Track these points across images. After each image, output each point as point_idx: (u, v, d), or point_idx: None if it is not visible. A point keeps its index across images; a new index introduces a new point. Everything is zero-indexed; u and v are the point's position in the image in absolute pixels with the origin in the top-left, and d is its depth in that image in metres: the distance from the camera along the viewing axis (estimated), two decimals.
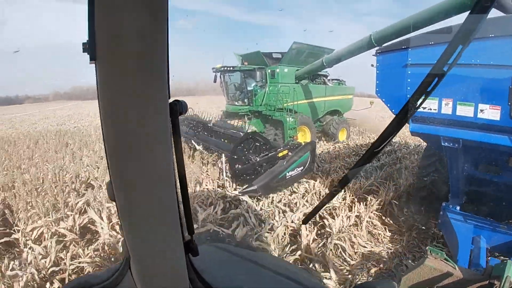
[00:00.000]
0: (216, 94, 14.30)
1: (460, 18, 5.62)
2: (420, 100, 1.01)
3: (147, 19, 0.68)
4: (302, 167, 7.41)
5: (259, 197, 6.57)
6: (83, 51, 0.71)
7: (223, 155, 7.64)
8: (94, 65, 0.72)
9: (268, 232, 5.16)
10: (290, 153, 7.53)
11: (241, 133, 8.69)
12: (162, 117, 0.80)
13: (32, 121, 26.07)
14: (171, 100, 0.84)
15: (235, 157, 7.35)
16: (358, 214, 5.87)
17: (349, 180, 1.43)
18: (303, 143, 8.10)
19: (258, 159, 7.30)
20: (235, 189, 7.10)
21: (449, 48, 0.96)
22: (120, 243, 4.54)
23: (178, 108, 0.86)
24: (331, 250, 4.79)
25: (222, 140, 9.43)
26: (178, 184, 0.93)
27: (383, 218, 6.08)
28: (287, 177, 7.06)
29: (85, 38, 0.70)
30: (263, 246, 4.73)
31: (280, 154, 7.53)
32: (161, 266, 1.00)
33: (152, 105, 0.76)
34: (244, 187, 6.80)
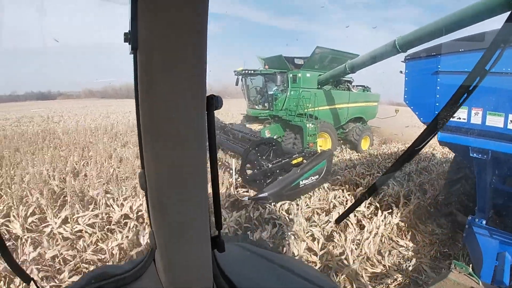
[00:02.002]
0: (243, 98, 14.27)
1: (488, 24, 5.24)
2: (452, 111, 1.01)
3: (189, 12, 0.69)
4: (318, 176, 7.12)
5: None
6: (124, 41, 0.73)
7: (233, 159, 7.47)
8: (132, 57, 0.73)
9: (294, 236, 5.14)
10: (305, 161, 7.26)
11: (259, 138, 8.51)
12: (199, 111, 0.80)
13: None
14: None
15: (246, 162, 7.13)
16: (382, 223, 5.69)
17: (379, 186, 1.50)
18: (319, 151, 7.82)
19: (270, 166, 7.05)
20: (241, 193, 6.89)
21: (485, 56, 0.93)
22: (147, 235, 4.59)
23: (215, 102, 0.85)
24: (356, 258, 4.72)
25: (240, 144, 9.26)
26: (210, 178, 0.92)
27: (408, 229, 5.92)
28: (300, 186, 6.79)
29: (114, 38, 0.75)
30: (289, 250, 4.74)
31: (294, 162, 7.28)
32: (186, 259, 0.99)
33: (189, 98, 0.77)
34: (255, 194, 6.58)
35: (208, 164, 0.90)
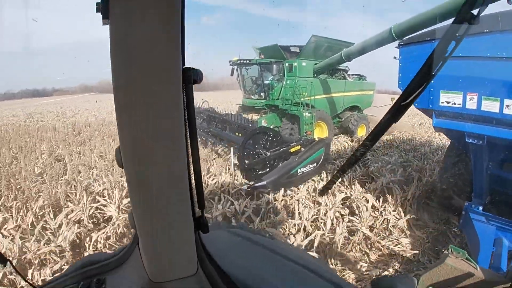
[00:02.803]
0: (239, 89, 14.25)
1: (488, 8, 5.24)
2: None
3: None
4: (315, 164, 7.18)
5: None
6: (96, 11, 0.70)
7: (231, 148, 7.49)
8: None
9: (287, 221, 5.20)
10: (303, 149, 7.30)
11: (255, 127, 8.51)
12: (175, 84, 0.77)
13: None
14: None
15: (244, 152, 7.14)
16: (379, 210, 5.79)
17: (357, 158, 1.39)
18: (316, 139, 7.86)
19: (268, 154, 7.09)
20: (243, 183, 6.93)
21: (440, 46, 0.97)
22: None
23: (192, 75, 0.81)
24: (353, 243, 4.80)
25: (236, 133, 9.27)
26: (190, 155, 0.88)
27: (404, 215, 5.93)
28: (298, 174, 6.85)
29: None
30: (280, 234, 4.79)
31: (292, 150, 7.32)
32: (168, 240, 0.95)
33: (165, 70, 0.74)
34: (253, 182, 6.63)
35: (188, 140, 0.87)
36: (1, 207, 5.74)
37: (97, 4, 0.69)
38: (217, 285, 1.06)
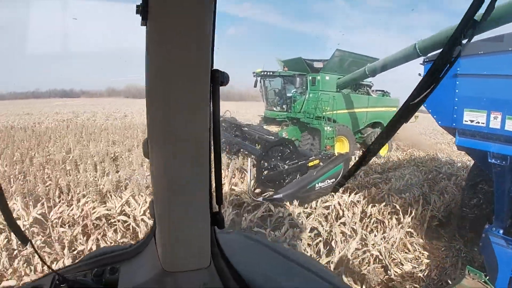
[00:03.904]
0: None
1: (508, 26, 5.13)
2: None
3: None
4: (334, 179, 7.06)
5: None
6: (136, 13, 0.76)
7: (248, 159, 7.47)
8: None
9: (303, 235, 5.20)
10: (321, 163, 7.22)
11: (275, 139, 8.48)
12: (204, 84, 0.83)
13: None
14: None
15: (263, 163, 7.10)
16: (373, 241, 5.48)
17: (355, 172, 1.32)
18: (336, 154, 7.76)
19: (286, 167, 7.05)
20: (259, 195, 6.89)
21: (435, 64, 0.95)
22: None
23: (219, 76, 0.86)
24: (366, 262, 4.74)
25: (256, 144, 9.27)
26: (212, 152, 0.93)
27: (423, 235, 5.91)
28: (316, 188, 6.74)
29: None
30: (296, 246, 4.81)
31: (311, 164, 7.24)
32: (185, 232, 1.00)
33: (195, 71, 0.80)
34: (270, 194, 6.59)
35: (212, 139, 0.92)
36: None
37: (137, 6, 0.75)
38: (227, 280, 1.09)
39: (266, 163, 7.06)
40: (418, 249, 5.51)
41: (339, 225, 5.70)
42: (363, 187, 8.27)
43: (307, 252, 4.76)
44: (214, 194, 1.01)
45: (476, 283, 2.56)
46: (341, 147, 11.96)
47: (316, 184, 6.76)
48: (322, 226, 5.54)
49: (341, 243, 5.04)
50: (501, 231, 4.32)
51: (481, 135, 3.85)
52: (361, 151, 13.22)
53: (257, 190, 7.16)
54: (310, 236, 5.25)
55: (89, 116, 24.88)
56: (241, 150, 9.49)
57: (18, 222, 4.72)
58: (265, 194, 6.77)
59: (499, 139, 3.68)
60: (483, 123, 3.75)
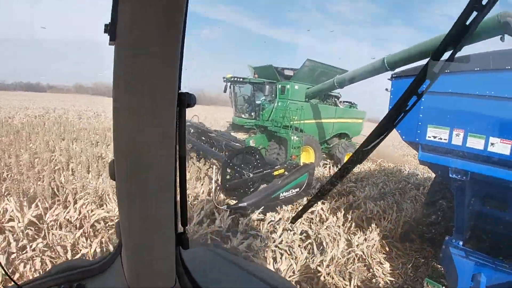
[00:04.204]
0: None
1: (481, 46, 5.34)
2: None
3: (167, 7, 0.69)
4: (298, 189, 7.02)
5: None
6: (104, 32, 0.74)
7: (214, 166, 7.29)
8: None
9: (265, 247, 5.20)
10: (286, 173, 7.15)
11: (242, 147, 8.35)
12: (170, 107, 0.82)
13: None
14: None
15: (228, 170, 6.94)
16: (357, 242, 5.77)
17: (330, 188, 1.47)
18: (301, 164, 7.73)
19: (251, 175, 6.90)
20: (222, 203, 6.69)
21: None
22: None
23: (186, 99, 0.86)
24: (328, 275, 4.73)
25: (223, 151, 9.05)
26: (177, 174, 0.93)
27: (398, 238, 6.27)
28: (280, 198, 6.68)
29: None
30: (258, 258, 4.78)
31: (276, 173, 7.15)
32: (150, 253, 0.99)
33: (162, 93, 0.78)
34: (234, 203, 6.41)
35: (177, 160, 0.92)
36: None
37: (105, 25, 0.73)
38: None
39: (231, 170, 6.88)
40: (395, 250, 5.89)
41: (325, 228, 6.04)
42: (341, 194, 8.57)
43: (302, 252, 4.93)
44: (179, 215, 1.01)
45: None
46: (307, 157, 11.98)
47: (281, 194, 6.69)
48: (312, 229, 5.95)
49: (331, 243, 5.45)
50: (461, 243, 4.50)
51: (443, 151, 3.97)
52: (329, 161, 13.41)
53: (221, 198, 6.96)
54: (301, 238, 5.62)
55: (61, 113, 23.80)
56: (207, 156, 9.27)
57: (12, 224, 4.61)
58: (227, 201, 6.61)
59: (460, 155, 3.80)
60: (446, 139, 3.88)
